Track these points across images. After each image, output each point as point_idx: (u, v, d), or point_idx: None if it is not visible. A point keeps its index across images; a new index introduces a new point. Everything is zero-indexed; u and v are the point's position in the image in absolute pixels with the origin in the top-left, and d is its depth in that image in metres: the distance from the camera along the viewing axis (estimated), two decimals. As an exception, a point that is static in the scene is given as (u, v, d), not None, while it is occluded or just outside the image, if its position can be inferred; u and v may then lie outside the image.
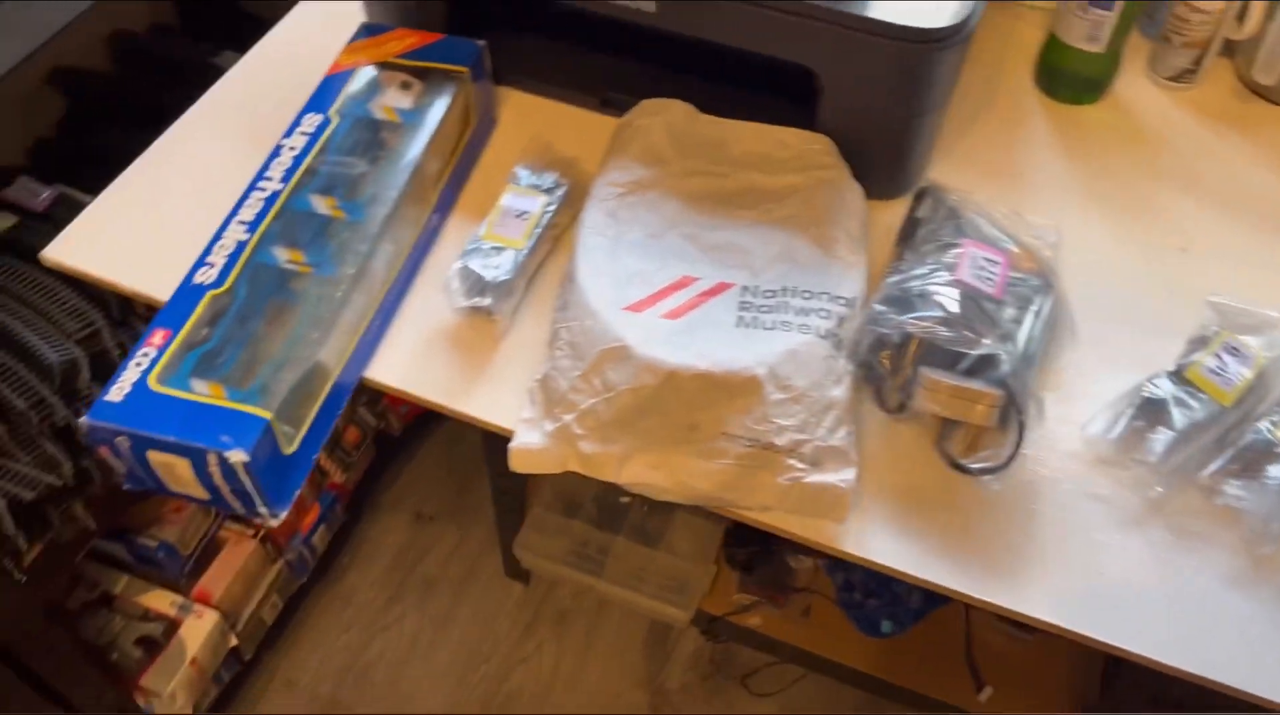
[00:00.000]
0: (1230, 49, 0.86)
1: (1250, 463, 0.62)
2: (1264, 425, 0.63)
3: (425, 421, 1.64)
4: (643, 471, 0.63)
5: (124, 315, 0.96)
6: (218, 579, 1.24)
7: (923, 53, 0.68)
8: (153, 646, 1.19)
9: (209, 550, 1.26)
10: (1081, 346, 0.67)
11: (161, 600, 1.21)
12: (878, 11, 0.67)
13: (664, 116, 0.76)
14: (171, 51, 1.21)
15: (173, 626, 1.20)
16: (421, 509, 1.61)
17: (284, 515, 0.62)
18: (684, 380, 0.62)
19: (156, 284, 0.72)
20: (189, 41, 1.21)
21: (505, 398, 0.68)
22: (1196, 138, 0.84)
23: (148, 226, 0.77)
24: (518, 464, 0.65)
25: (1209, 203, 0.79)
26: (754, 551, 1.36)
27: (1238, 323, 0.67)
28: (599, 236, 0.71)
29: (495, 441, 1.33)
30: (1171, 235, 0.77)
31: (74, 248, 0.76)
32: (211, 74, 1.16)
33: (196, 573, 1.24)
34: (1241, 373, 0.64)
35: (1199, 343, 0.66)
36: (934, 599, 1.32)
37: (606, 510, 1.40)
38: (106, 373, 0.96)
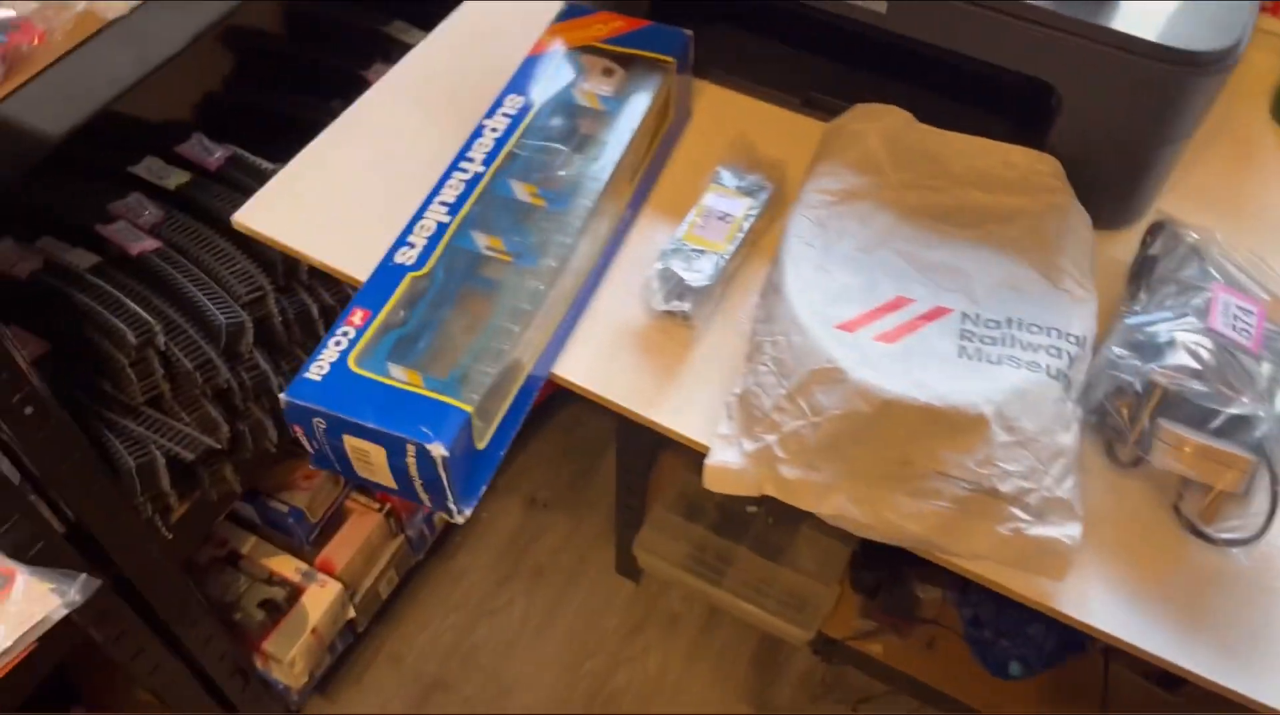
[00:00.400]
0: None
1: None
2: None
3: (544, 406, 1.62)
4: (845, 505, 0.59)
5: (288, 281, 0.96)
6: (342, 549, 1.23)
7: (1184, 77, 0.63)
8: (275, 610, 1.19)
9: (335, 520, 1.26)
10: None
11: (287, 565, 1.21)
12: (1139, 28, 0.62)
13: (881, 123, 0.72)
14: (342, 18, 1.20)
15: (296, 592, 1.20)
16: (535, 495, 1.60)
17: (470, 512, 0.60)
18: (902, 411, 0.58)
19: (348, 258, 0.71)
20: (361, 9, 1.20)
21: (695, 410, 0.64)
22: None
23: (339, 198, 0.75)
24: (713, 482, 0.61)
25: None
26: (882, 576, 1.31)
27: None
28: (807, 246, 0.67)
29: (629, 435, 1.31)
30: None
31: (265, 213, 0.74)
32: (384, 43, 1.16)
33: (321, 541, 1.24)
34: None
35: None
36: (1071, 645, 1.25)
37: (730, 517, 1.37)
38: (268, 338, 0.96)
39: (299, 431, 0.59)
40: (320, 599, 1.19)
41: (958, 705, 1.28)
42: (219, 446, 0.91)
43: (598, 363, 0.67)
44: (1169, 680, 1.21)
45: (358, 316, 0.61)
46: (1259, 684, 0.55)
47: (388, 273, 0.63)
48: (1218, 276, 0.63)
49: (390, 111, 0.80)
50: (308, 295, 0.97)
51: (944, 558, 0.59)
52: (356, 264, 0.70)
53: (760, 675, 1.41)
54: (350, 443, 0.58)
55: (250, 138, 1.04)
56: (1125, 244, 0.70)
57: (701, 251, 0.67)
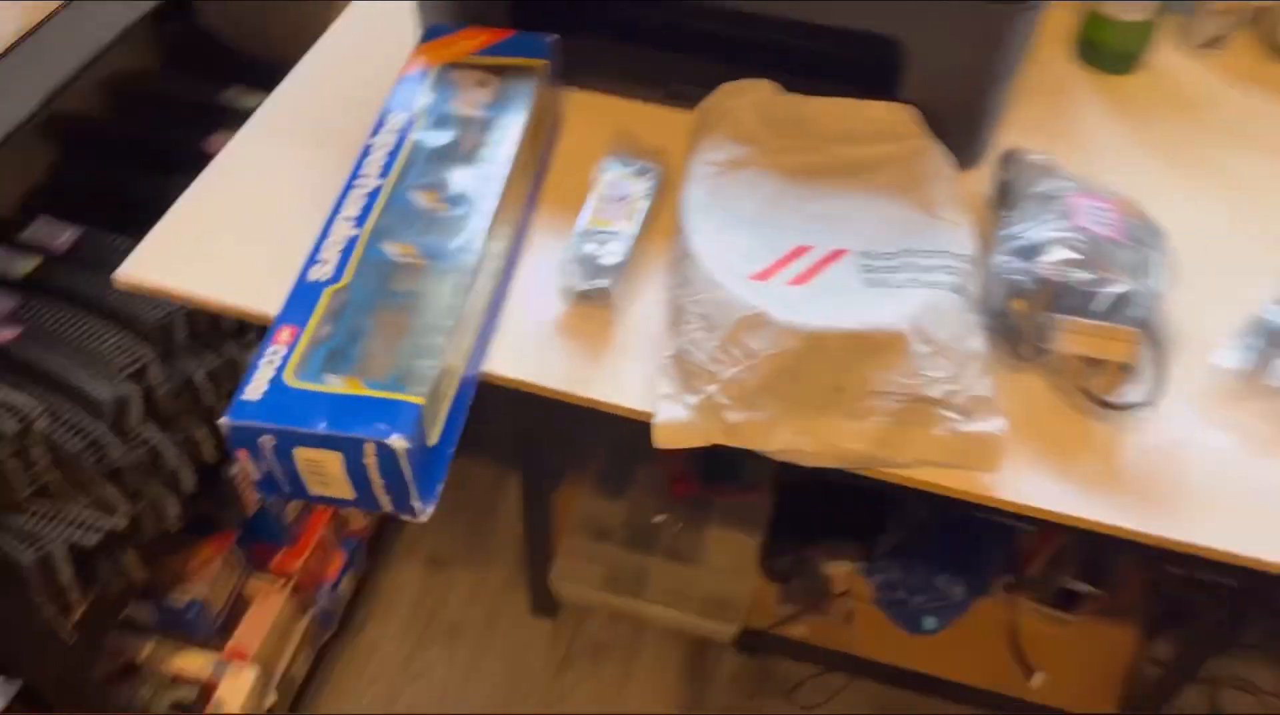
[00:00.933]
0: (1259, 20, 0.91)
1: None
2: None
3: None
4: (791, 438, 0.62)
5: (167, 348, 0.92)
6: (252, 633, 1.17)
7: (1009, 14, 0.70)
8: (188, 711, 1.12)
9: (238, 606, 1.20)
10: (1181, 288, 0.68)
11: (194, 661, 1.14)
12: (965, -24, 0.69)
13: (749, 96, 0.77)
14: (173, 92, 1.18)
15: (208, 688, 1.13)
16: (434, 554, 1.56)
17: (431, 511, 0.59)
18: (828, 341, 0.62)
19: (251, 294, 0.69)
20: (191, 81, 1.18)
21: (629, 381, 0.66)
22: (1235, 99, 0.88)
23: (227, 237, 0.74)
24: (664, 440, 0.63)
25: (1261, 155, 0.82)
26: (791, 561, 1.35)
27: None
28: (705, 213, 0.70)
29: (533, 469, 1.31)
30: (1236, 187, 0.80)
31: (151, 266, 0.72)
32: (221, 113, 1.13)
33: (228, 628, 1.17)
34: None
35: (1299, 276, 0.69)
36: (975, 589, 1.32)
37: (638, 532, 1.38)
38: (156, 410, 0.92)
39: (244, 456, 0.57)
40: (237, 688, 1.13)
41: (883, 670, 1.33)
42: (121, 527, 0.86)
43: (525, 356, 0.68)
44: (1067, 602, 1.30)
45: (285, 334, 0.60)
46: (1186, 528, 0.61)
47: (306, 289, 0.63)
48: (1071, 185, 0.70)
49: (265, 147, 0.80)
50: (191, 360, 0.93)
51: (890, 473, 0.63)
52: (261, 298, 0.68)
53: (692, 684, 1.41)
54: (302, 456, 0.56)
55: (96, 219, 1.00)
56: (978, 180, 0.77)
57: (609, 232, 0.70)
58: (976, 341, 0.64)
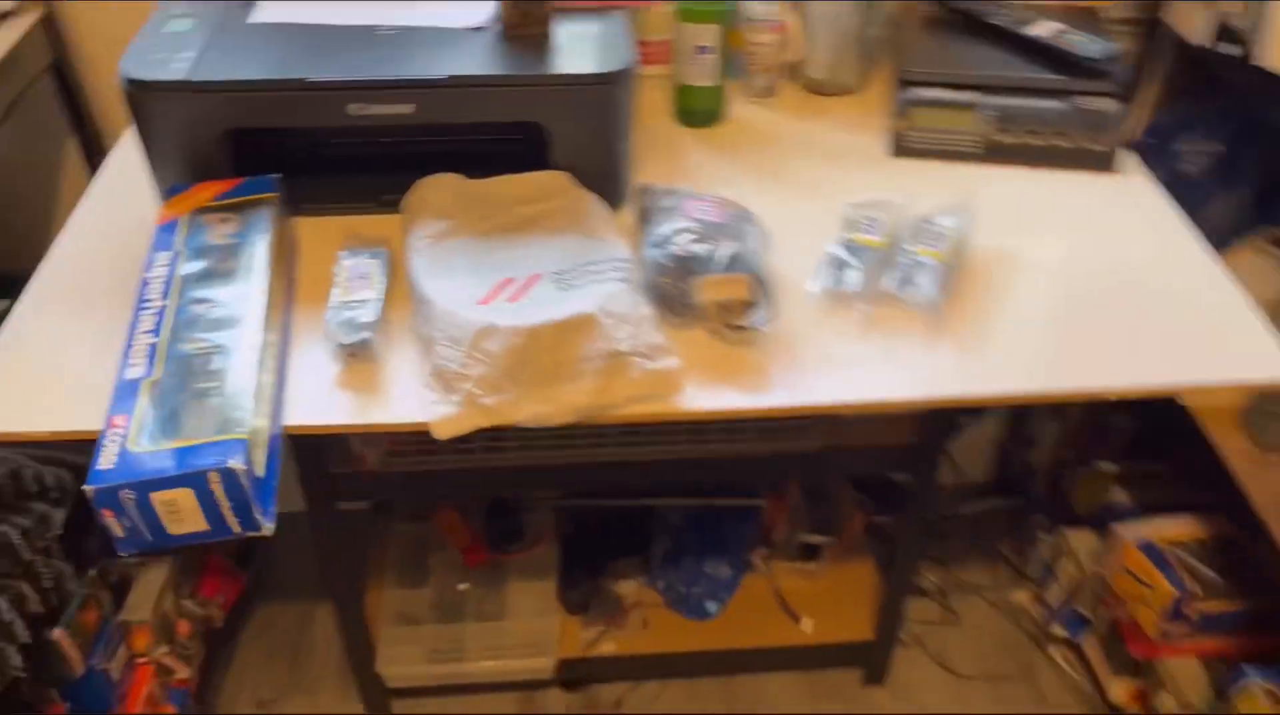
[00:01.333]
0: (794, 70, 1.26)
1: (907, 274, 0.94)
2: (908, 251, 0.95)
3: (242, 611, 1.66)
4: (534, 408, 0.84)
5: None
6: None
7: (611, 89, 0.98)
8: None
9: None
10: (778, 249, 0.97)
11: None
12: (573, 69, 0.97)
13: (441, 186, 1.00)
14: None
15: None
16: (260, 697, 1.61)
17: (272, 526, 0.75)
18: (542, 332, 0.84)
19: (63, 419, 0.83)
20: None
21: (401, 404, 0.85)
22: (792, 126, 1.21)
23: (34, 380, 0.87)
24: (442, 432, 0.83)
25: (815, 161, 1.15)
26: (585, 591, 1.54)
27: (866, 209, 1.00)
28: (429, 271, 0.92)
29: (338, 582, 1.42)
30: (802, 183, 1.11)
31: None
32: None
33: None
34: (882, 228, 0.97)
35: (850, 224, 0.99)
36: (739, 568, 1.56)
37: (446, 607, 1.52)
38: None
39: (109, 516, 0.71)
40: None
41: (686, 659, 1.53)
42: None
43: (316, 406, 0.86)
44: (812, 554, 1.57)
45: (119, 421, 0.75)
46: (808, 395, 0.87)
47: (126, 386, 0.78)
48: (686, 195, 0.98)
49: (47, 311, 0.94)
50: (2, 523, 1.01)
51: (612, 414, 0.85)
52: (75, 420, 0.82)
53: (530, 731, 1.55)
54: (159, 499, 0.71)
55: None
56: (627, 213, 1.04)
57: (359, 301, 0.90)
58: (645, 309, 0.89)
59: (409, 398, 0.86)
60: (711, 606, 1.54)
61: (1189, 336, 0.93)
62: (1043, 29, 1.16)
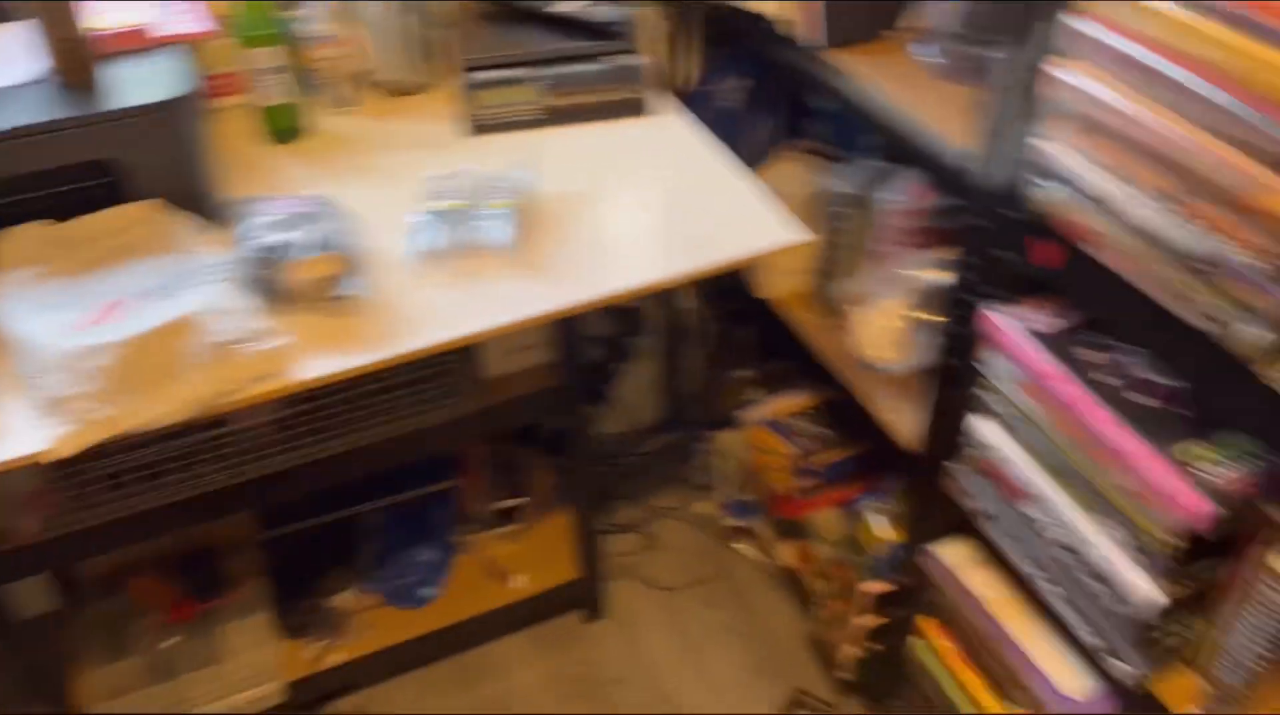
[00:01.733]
0: (370, 77, 1.36)
1: (485, 226, 1.07)
2: (482, 206, 1.09)
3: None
4: (154, 409, 0.89)
5: None
6: None
7: (168, 117, 1.04)
8: None
9: None
10: (370, 226, 1.07)
11: None
12: (131, 102, 1.02)
13: (26, 236, 1.03)
14: None
15: None
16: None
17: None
18: (145, 340, 0.90)
19: None
20: None
21: (16, 442, 0.88)
22: (377, 127, 1.32)
23: None
24: (64, 449, 0.86)
25: (396, 152, 1.26)
26: (302, 613, 1.57)
27: (443, 180, 1.13)
28: (22, 313, 0.95)
29: (32, 675, 1.37)
30: (387, 172, 1.22)
31: None
32: None
33: None
34: (459, 193, 1.10)
35: (431, 194, 1.11)
36: (447, 550, 1.65)
37: (157, 667, 1.50)
38: None
39: None
40: None
41: (414, 647, 1.59)
42: None
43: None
44: (511, 517, 1.68)
45: None
46: (412, 343, 0.97)
47: None
48: (269, 199, 1.06)
49: None
50: None
51: (232, 403, 0.92)
52: None
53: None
54: None
55: None
56: (222, 232, 1.10)
57: (-48, 355, 0.91)
58: (247, 302, 0.96)
59: (24, 432, 0.88)
60: (428, 592, 1.62)
61: (717, 229, 1.13)
62: (570, 6, 1.33)
